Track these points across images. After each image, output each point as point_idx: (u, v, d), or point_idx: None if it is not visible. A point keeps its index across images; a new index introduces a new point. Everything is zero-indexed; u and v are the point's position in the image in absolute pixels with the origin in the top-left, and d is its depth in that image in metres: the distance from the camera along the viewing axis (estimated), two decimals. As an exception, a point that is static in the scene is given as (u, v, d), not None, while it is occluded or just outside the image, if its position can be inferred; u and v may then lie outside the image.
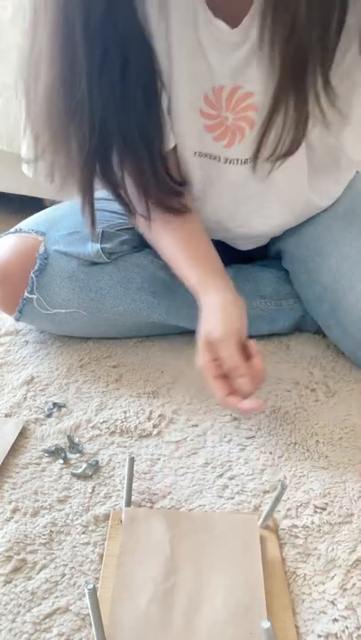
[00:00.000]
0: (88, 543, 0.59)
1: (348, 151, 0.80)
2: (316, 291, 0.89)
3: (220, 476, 0.68)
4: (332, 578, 0.56)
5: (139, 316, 0.89)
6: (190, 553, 0.57)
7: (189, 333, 0.93)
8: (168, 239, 0.81)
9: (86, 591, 0.45)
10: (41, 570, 0.56)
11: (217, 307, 0.72)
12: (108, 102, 0.66)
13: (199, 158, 0.80)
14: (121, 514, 0.62)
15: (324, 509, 0.63)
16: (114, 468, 0.69)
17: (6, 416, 0.77)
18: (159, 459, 0.71)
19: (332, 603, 0.54)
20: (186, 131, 0.77)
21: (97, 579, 0.56)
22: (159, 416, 0.78)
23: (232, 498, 0.65)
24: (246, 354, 0.70)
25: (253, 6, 0.67)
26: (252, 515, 0.63)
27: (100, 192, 0.77)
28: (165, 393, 0.82)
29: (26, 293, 0.87)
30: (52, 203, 1.00)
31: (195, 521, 0.61)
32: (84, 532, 0.60)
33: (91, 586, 0.45)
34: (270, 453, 0.71)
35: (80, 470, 0.68)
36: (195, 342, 0.72)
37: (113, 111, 0.67)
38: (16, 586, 0.55)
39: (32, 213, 0.97)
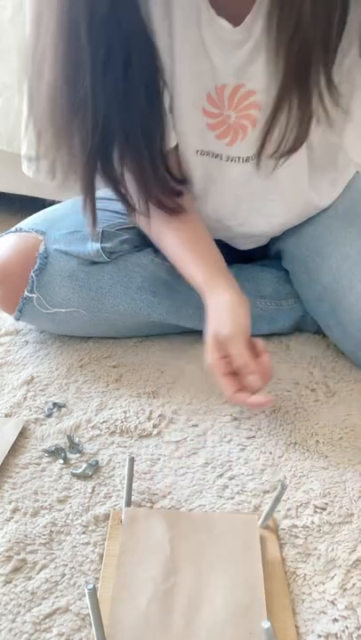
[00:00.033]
0: (88, 543, 0.59)
1: (348, 151, 0.80)
2: (316, 291, 0.89)
3: (220, 476, 0.68)
4: (332, 578, 0.56)
5: (139, 315, 0.89)
6: (190, 553, 0.57)
7: (190, 333, 0.93)
8: (172, 238, 0.81)
9: (86, 591, 0.45)
10: (41, 570, 0.56)
11: (225, 305, 0.73)
12: (111, 100, 0.67)
13: (201, 156, 0.80)
14: (121, 514, 0.61)
15: (324, 509, 0.63)
16: (114, 468, 0.69)
17: (6, 416, 0.77)
18: (159, 459, 0.71)
19: (332, 603, 0.54)
20: (188, 129, 0.77)
21: (97, 579, 0.56)
22: (159, 416, 0.77)
23: (232, 498, 0.65)
24: (253, 351, 0.70)
25: (256, 5, 0.67)
26: (252, 515, 0.63)
27: (102, 192, 0.77)
28: (165, 393, 0.82)
29: (26, 292, 0.87)
30: (53, 202, 0.99)
31: (195, 521, 0.61)
32: (84, 532, 0.60)
33: (91, 586, 0.45)
34: (270, 453, 0.71)
35: (80, 470, 0.68)
36: (195, 342, 0.72)
37: (116, 109, 0.68)
38: (16, 586, 0.55)
39: (32, 213, 0.97)
